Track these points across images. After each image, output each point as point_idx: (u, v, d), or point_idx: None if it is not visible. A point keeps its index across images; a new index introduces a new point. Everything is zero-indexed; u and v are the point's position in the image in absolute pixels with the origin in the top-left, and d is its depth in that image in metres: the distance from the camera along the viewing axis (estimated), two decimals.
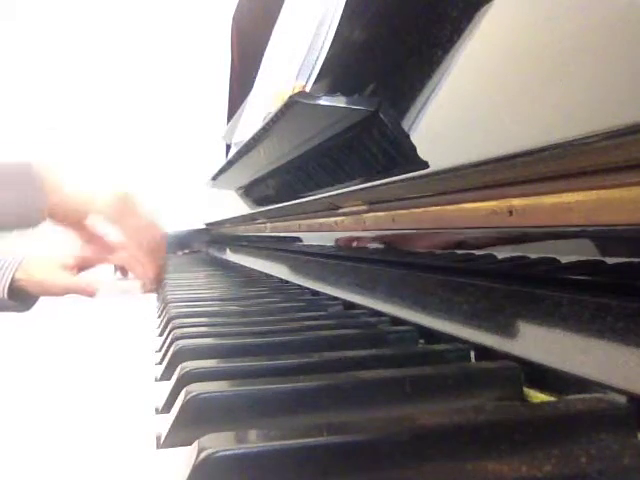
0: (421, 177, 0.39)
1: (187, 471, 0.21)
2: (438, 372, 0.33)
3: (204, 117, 2.30)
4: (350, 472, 0.21)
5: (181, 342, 0.43)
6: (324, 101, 0.47)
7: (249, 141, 0.71)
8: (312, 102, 0.48)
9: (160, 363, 0.46)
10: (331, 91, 0.54)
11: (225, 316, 0.59)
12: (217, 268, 1.34)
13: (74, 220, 0.81)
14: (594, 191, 0.27)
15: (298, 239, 0.87)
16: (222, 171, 1.04)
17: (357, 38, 0.56)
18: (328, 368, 0.36)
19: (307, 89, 0.61)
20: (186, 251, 2.09)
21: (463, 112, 0.35)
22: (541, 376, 0.31)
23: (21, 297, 0.85)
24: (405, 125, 0.41)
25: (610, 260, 0.28)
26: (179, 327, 0.51)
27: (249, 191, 1.11)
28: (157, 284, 0.88)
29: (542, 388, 0.31)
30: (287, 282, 0.87)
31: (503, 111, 0.31)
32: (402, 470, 0.22)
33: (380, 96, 0.46)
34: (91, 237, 0.84)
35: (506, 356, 0.33)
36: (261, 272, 1.06)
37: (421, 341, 0.44)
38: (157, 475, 0.26)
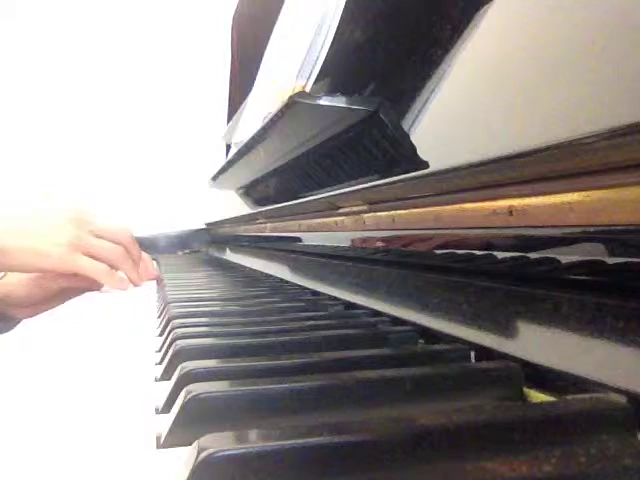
0: (421, 177, 0.39)
1: (187, 471, 0.21)
2: (438, 372, 0.33)
3: (204, 117, 2.30)
4: (350, 472, 0.21)
5: (181, 342, 0.43)
6: (324, 101, 0.47)
7: (249, 141, 0.71)
8: (312, 102, 0.48)
9: (160, 363, 0.46)
10: (331, 91, 0.54)
11: (225, 316, 0.59)
12: (217, 268, 1.34)
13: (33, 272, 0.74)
14: (594, 191, 0.27)
15: (298, 239, 0.87)
16: (222, 171, 1.04)
17: (357, 38, 0.56)
18: (328, 368, 0.36)
19: (307, 89, 0.61)
20: (186, 251, 2.09)
21: (463, 112, 0.35)
22: (541, 376, 0.31)
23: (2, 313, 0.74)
24: (405, 125, 0.41)
25: (610, 260, 0.28)
26: (179, 327, 0.51)
27: (249, 191, 1.11)
28: (142, 279, 0.85)
29: (542, 388, 0.31)
30: (287, 282, 0.87)
31: (503, 111, 0.31)
32: (402, 470, 0.22)
33: (380, 96, 0.46)
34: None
35: (506, 356, 0.33)
36: (261, 272, 1.06)
37: (421, 341, 0.44)
38: (157, 475, 0.26)
